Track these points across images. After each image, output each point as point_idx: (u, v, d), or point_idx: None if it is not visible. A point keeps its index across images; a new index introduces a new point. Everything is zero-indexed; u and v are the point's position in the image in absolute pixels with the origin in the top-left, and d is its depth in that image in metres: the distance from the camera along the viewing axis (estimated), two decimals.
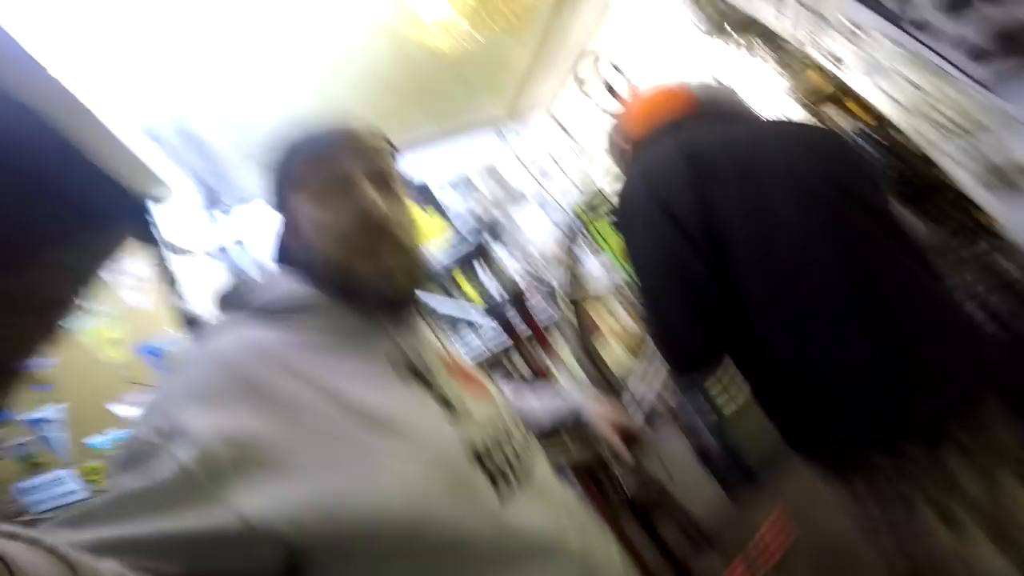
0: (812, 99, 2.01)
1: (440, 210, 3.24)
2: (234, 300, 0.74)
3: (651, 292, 1.04)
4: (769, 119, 1.23)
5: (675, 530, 2.21)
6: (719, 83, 1.26)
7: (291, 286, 0.72)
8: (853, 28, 1.37)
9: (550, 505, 0.70)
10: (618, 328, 3.21)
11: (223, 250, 2.10)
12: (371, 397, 0.61)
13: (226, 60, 1.97)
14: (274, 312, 0.69)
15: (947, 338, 0.86)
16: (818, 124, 1.81)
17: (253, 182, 2.64)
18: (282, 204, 0.77)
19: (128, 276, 1.90)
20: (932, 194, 1.64)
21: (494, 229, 1.86)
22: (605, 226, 2.37)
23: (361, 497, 0.54)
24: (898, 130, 1.55)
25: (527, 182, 3.58)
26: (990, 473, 0.81)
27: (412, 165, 3.30)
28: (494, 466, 0.65)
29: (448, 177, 3.40)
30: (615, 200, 1.13)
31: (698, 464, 2.62)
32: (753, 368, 1.01)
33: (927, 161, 1.51)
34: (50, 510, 1.77)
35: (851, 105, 1.89)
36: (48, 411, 1.84)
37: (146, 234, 1.89)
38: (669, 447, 2.47)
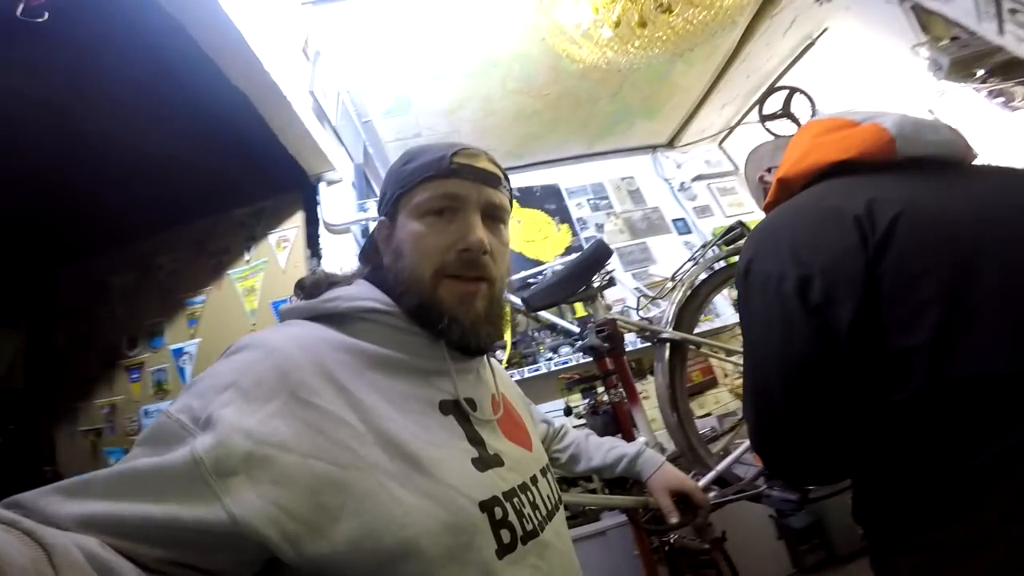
0: None
1: (570, 223, 3.25)
2: (309, 291, 0.76)
3: (760, 386, 0.79)
4: (1001, 169, 0.81)
5: None
6: (935, 120, 0.84)
7: (366, 293, 0.71)
8: None
9: (552, 560, 0.66)
10: (732, 370, 2.93)
11: (365, 233, 2.25)
12: (403, 425, 0.61)
13: (394, 48, 2.12)
14: (340, 316, 0.68)
15: None
16: None
17: None
18: (389, 210, 0.76)
19: (283, 239, 2.12)
20: None
21: (600, 262, 1.71)
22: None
23: (356, 519, 0.53)
24: None
25: (671, 208, 3.45)
26: None
27: (553, 177, 3.36)
28: (504, 515, 0.62)
29: (587, 193, 3.39)
30: (742, 251, 0.85)
31: (772, 531, 2.35)
32: (867, 477, 0.77)
33: None
34: None
35: None
36: (189, 344, 2.13)
37: (309, 208, 2.11)
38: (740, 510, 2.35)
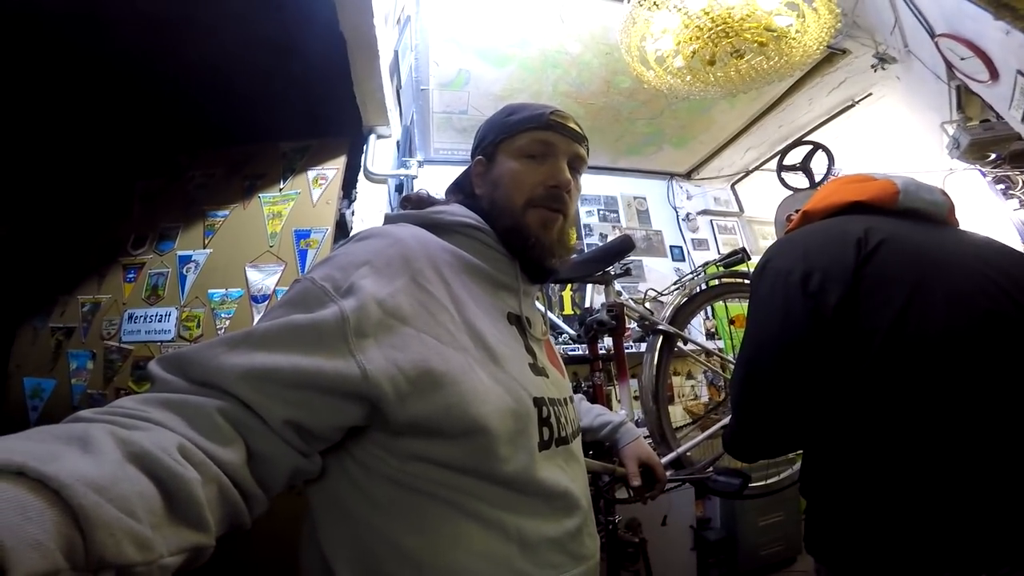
0: None
1: (577, 227, 3.35)
2: (416, 203, 0.90)
3: (753, 357, 0.95)
4: (973, 232, 1.03)
5: None
6: (934, 185, 1.05)
7: (466, 212, 0.84)
8: None
9: (573, 469, 0.78)
10: (688, 392, 3.25)
11: (399, 189, 2.34)
12: (485, 323, 0.73)
13: (473, 24, 2.21)
14: (443, 226, 0.82)
15: None
16: None
17: (442, 146, 2.91)
18: (489, 151, 0.89)
19: (321, 176, 2.19)
20: None
21: (622, 253, 1.88)
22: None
23: (450, 387, 0.63)
24: None
25: (672, 235, 3.66)
26: None
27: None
28: (548, 416, 0.74)
29: (599, 203, 3.56)
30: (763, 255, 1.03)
31: (688, 541, 2.55)
32: (825, 461, 0.92)
33: None
34: (133, 343, 2.02)
35: None
36: (200, 253, 2.14)
37: (354, 154, 2.20)
38: (678, 510, 2.59)
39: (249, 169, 2.25)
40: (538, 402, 0.73)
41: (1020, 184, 2.08)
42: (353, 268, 0.65)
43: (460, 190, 0.95)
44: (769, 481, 2.02)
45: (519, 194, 0.83)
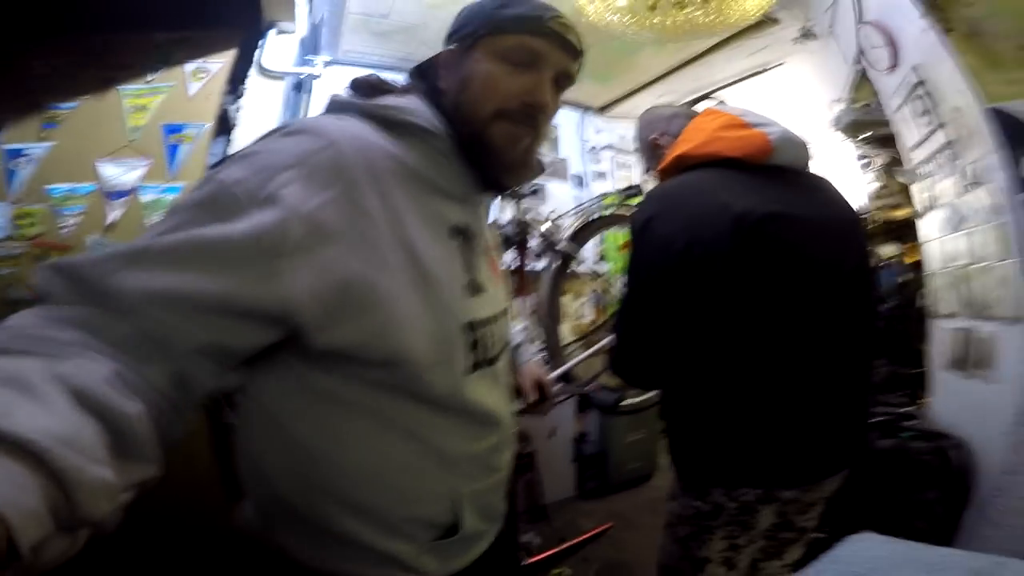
0: (880, 223, 2.30)
1: None
2: (367, 91, 0.77)
3: (634, 305, 1.06)
4: (826, 186, 1.17)
5: (523, 492, 2.40)
6: (799, 138, 1.12)
7: (423, 110, 0.73)
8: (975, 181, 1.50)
9: (500, 388, 0.79)
10: (576, 311, 3.40)
11: (299, 85, 2.08)
12: (423, 240, 0.66)
13: None
14: (393, 124, 0.71)
15: (854, 420, 1.10)
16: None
17: (353, 48, 2.56)
18: (467, 42, 0.75)
19: (202, 70, 1.89)
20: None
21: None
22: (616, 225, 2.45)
23: (372, 315, 0.59)
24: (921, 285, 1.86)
25: (576, 164, 3.71)
26: (781, 547, 1.09)
27: None
28: (478, 339, 0.71)
29: None
30: (642, 204, 1.11)
31: (569, 454, 2.93)
32: (686, 392, 1.10)
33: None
34: None
35: (911, 247, 2.13)
36: (34, 147, 1.83)
37: (247, 50, 1.91)
38: (562, 424, 2.87)
39: (108, 59, 1.88)
40: (468, 327, 0.69)
41: (876, 163, 2.39)
42: (275, 172, 0.56)
43: (423, 77, 0.79)
44: (637, 399, 2.25)
45: (489, 102, 0.71)
